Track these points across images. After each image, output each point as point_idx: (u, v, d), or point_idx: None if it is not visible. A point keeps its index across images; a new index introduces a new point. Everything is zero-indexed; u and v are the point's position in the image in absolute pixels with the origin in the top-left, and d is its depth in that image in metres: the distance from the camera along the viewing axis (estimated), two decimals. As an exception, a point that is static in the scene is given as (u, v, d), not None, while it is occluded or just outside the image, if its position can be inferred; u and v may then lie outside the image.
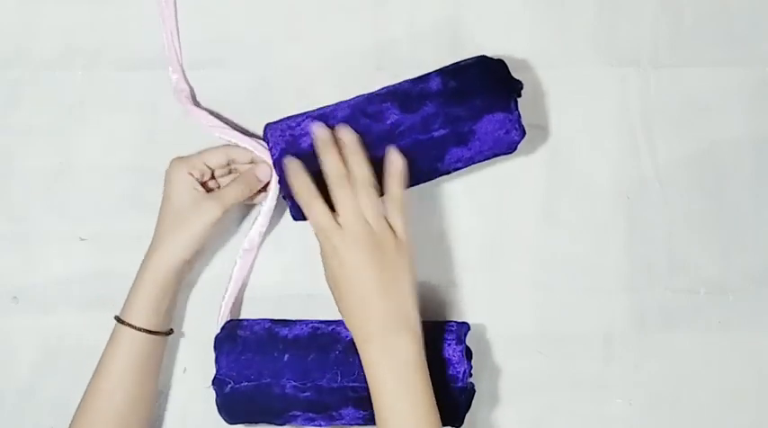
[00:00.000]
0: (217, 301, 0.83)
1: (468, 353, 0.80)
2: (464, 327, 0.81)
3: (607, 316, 0.87)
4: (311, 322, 0.81)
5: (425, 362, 0.74)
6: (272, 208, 0.82)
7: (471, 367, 0.80)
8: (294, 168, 0.77)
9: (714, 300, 0.87)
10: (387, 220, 0.75)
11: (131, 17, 0.87)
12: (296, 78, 0.87)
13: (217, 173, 0.82)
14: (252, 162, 0.82)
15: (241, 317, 0.85)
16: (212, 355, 0.80)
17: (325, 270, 0.76)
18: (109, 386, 0.78)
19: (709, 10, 0.89)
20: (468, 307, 0.86)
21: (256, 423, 0.81)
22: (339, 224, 0.74)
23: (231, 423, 0.81)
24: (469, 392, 0.80)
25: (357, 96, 0.80)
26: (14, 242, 0.86)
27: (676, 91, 0.88)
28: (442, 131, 0.78)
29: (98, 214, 0.86)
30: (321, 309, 0.82)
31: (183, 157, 0.80)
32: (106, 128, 0.87)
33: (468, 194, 0.87)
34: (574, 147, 0.88)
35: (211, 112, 0.85)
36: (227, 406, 0.79)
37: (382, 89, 0.80)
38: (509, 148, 0.81)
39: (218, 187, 0.82)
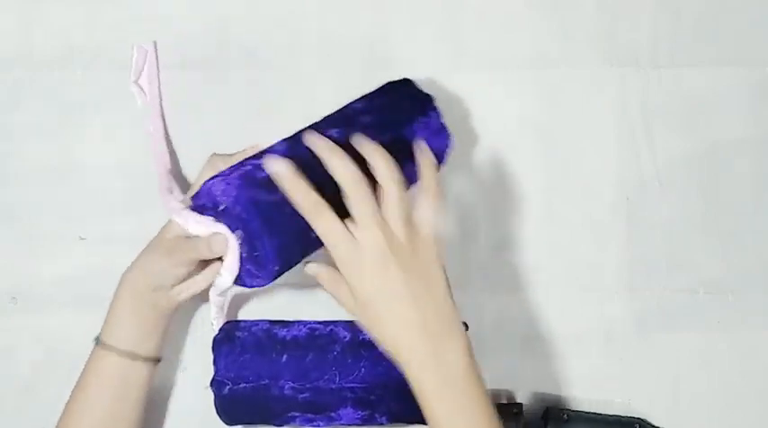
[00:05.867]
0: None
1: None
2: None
3: (607, 316, 0.87)
4: (309, 323, 0.81)
5: (477, 367, 0.66)
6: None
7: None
8: (288, 174, 0.66)
9: (714, 300, 0.87)
10: (412, 219, 0.67)
11: (131, 17, 0.87)
12: (295, 78, 0.87)
13: None
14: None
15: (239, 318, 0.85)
16: (212, 355, 0.80)
17: (341, 297, 0.69)
18: (82, 407, 0.75)
19: (709, 10, 0.89)
20: (468, 306, 0.86)
21: (255, 424, 0.80)
22: (354, 236, 0.66)
23: (230, 425, 0.80)
24: None
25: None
26: (14, 242, 0.86)
27: (676, 91, 0.88)
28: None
29: (98, 214, 0.86)
30: (319, 310, 0.82)
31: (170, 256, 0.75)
32: (106, 128, 0.87)
33: (468, 193, 0.87)
34: (574, 146, 0.88)
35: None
36: (225, 408, 0.79)
37: (315, 122, 0.75)
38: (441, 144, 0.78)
39: None
